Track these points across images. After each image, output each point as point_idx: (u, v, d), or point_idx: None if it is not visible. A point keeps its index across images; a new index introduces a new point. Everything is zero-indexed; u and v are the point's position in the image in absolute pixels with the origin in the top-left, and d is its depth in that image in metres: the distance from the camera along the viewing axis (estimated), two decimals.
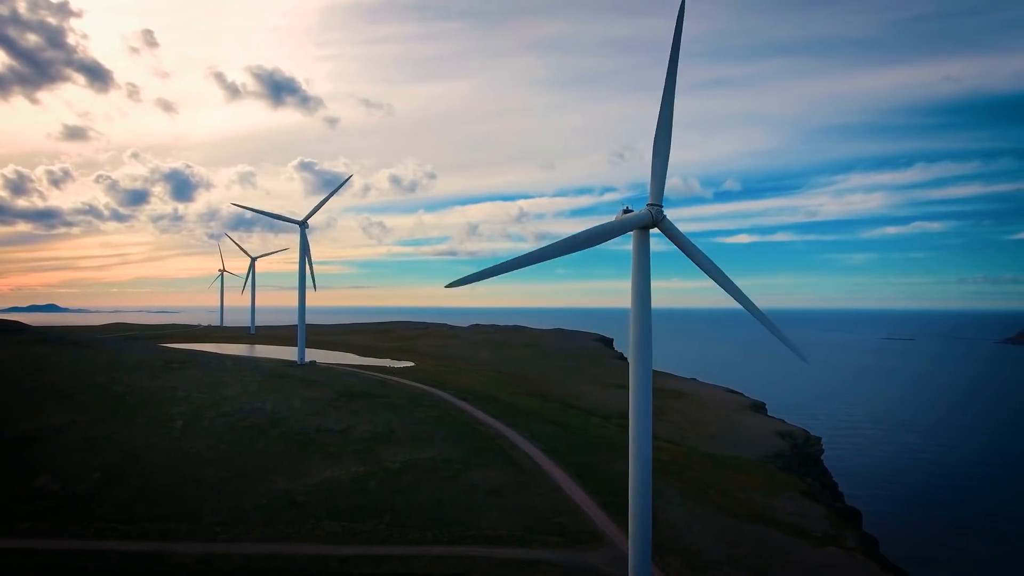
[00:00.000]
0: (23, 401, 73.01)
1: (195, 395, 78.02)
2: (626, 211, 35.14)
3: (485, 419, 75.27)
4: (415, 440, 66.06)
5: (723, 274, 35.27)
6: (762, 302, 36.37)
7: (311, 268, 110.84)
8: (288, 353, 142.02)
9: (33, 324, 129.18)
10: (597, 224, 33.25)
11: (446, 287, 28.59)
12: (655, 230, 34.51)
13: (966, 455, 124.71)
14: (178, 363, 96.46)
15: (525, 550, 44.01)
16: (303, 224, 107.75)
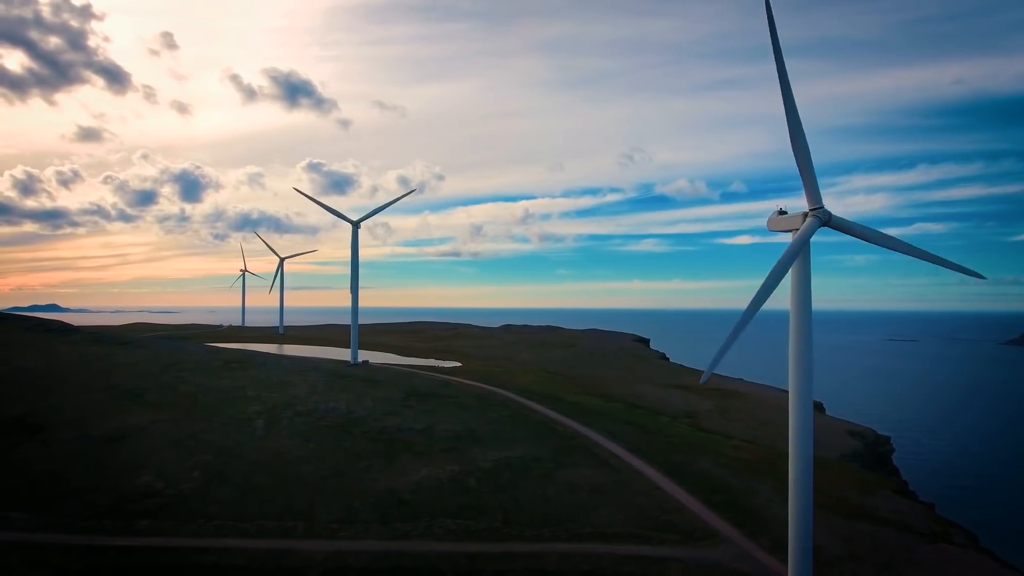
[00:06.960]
0: (97, 401, 73.28)
1: (266, 395, 78.38)
2: (781, 212, 35.47)
3: (559, 418, 75.55)
4: (498, 439, 66.36)
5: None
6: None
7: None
8: (327, 353, 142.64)
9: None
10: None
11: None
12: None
13: (1007, 454, 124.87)
14: (236, 363, 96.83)
15: (649, 547, 44.28)
16: (356, 224, 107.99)
